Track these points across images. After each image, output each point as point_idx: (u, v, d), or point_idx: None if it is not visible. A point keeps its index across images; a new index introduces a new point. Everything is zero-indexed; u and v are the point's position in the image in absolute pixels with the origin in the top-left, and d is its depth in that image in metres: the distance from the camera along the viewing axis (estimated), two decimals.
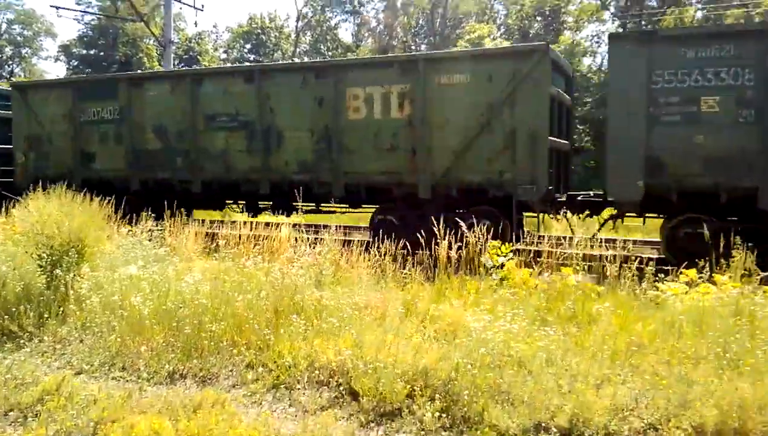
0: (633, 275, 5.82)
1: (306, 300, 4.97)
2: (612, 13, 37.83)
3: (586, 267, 6.27)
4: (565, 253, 6.55)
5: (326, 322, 4.61)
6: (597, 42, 37.39)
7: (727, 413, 3.47)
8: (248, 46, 45.87)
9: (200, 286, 4.62)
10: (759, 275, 5.52)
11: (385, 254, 6.49)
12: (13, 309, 4.49)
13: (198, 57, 38.94)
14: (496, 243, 6.44)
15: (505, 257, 6.24)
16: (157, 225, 7.49)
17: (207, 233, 7.06)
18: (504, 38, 36.97)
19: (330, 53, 45.61)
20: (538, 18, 39.72)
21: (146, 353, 4.02)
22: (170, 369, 3.92)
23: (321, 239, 6.37)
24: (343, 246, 6.40)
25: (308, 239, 6.54)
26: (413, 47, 44.76)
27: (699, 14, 32.59)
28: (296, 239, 6.61)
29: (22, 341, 4.34)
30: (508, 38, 36.97)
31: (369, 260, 6.30)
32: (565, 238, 6.64)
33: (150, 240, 6.31)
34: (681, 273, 5.82)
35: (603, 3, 37.70)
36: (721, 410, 3.49)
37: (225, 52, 47.97)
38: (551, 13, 39.06)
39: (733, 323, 4.56)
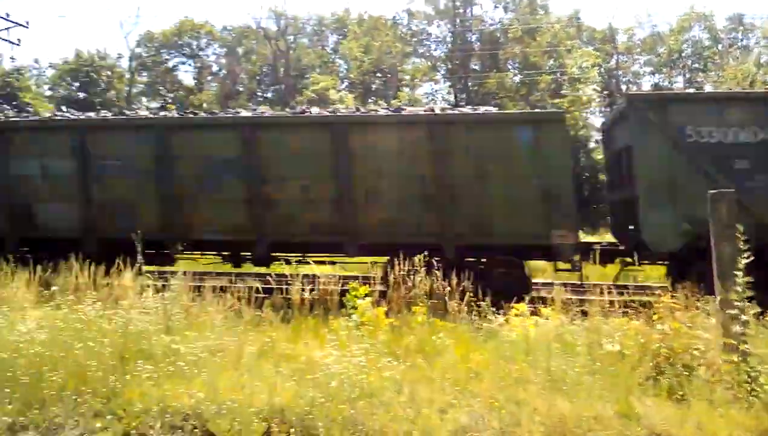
0: (473, 310, 6.43)
1: (154, 346, 4.78)
2: (442, 74, 41.38)
3: (430, 304, 6.75)
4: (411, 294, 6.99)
5: (176, 367, 4.48)
6: (433, 99, 40.51)
7: (551, 428, 3.98)
8: (77, 84, 42.65)
9: (35, 334, 4.26)
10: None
11: (239, 298, 6.46)
12: None
13: (18, 93, 35.30)
14: (355, 284, 6.72)
15: (362, 298, 6.52)
16: None
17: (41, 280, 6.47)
18: (348, 90, 38.56)
19: (171, 95, 44.01)
20: (378, 74, 42.13)
21: None
22: (9, 421, 3.56)
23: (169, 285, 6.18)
24: (194, 291, 6.24)
25: (155, 285, 6.30)
26: (259, 93, 44.85)
27: (517, 78, 36.94)
28: (141, 286, 6.32)
29: None
30: (351, 91, 38.63)
31: (223, 304, 6.23)
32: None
33: None
34: (512, 307, 6.53)
35: (434, 65, 41.17)
36: (546, 426, 4.00)
37: (50, 89, 44.06)
38: (389, 71, 41.66)
39: (554, 348, 5.24)
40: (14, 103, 33.64)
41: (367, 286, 6.59)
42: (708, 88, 36.12)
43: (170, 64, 47.11)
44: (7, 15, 18.48)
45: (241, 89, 44.48)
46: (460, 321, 6.17)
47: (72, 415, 3.75)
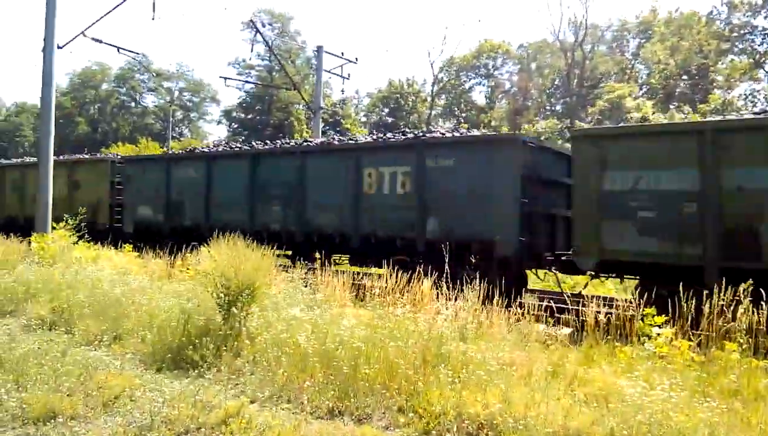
0: None
1: (452, 352, 5.11)
2: (767, 71, 35.26)
3: (748, 340, 5.81)
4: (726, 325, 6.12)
5: (473, 375, 4.71)
6: (752, 101, 34.83)
7: None
8: (386, 109, 48.35)
9: (355, 330, 4.95)
10: None
11: (524, 313, 6.50)
12: (197, 341, 5.09)
13: (341, 120, 41.67)
14: (651, 311, 6.19)
15: (659, 326, 5.96)
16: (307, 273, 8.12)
17: (353, 283, 7.51)
18: (646, 97, 35.63)
19: (464, 115, 46.64)
20: (684, 77, 38.01)
21: (309, 388, 4.37)
22: (330, 405, 4.22)
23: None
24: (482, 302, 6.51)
25: (447, 293, 6.74)
26: (548, 107, 44.52)
27: None
28: (437, 293, 6.83)
29: (202, 370, 4.90)
30: (650, 97, 35.61)
31: (509, 318, 6.34)
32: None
33: (306, 286, 6.87)
34: None
35: (756, 61, 35.31)
36: None
37: (365, 115, 50.88)
38: (698, 72, 37.24)
39: None
40: (338, 129, 39.77)
41: (665, 315, 5.98)
42: None
43: (467, 85, 49.99)
44: (342, 54, 21.88)
45: (529, 104, 44.73)
46: None
47: (380, 407, 4.25)
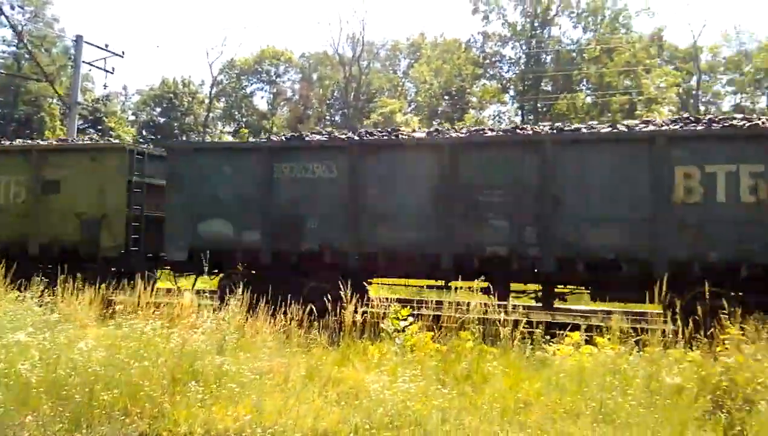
0: (524, 337, 6.25)
1: (206, 366, 4.94)
2: (511, 96, 41.00)
3: (481, 330, 6.62)
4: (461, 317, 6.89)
5: (226, 388, 4.60)
6: (499, 121, 40.22)
7: None
8: (158, 109, 45.35)
9: (94, 353, 4.50)
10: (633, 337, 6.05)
11: (291, 320, 6.58)
12: None
13: (104, 118, 37.98)
14: (398, 307, 6.71)
15: (405, 320, 6.49)
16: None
17: (104, 299, 6.85)
18: (414, 113, 38.91)
19: (244, 119, 45.95)
20: (446, 97, 42.30)
21: (31, 423, 3.84)
22: None
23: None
24: (248, 311, 6.42)
25: (212, 305, 6.53)
26: (328, 117, 46.03)
27: (588, 99, 36.02)
28: (199, 305, 6.57)
29: None
30: (417, 114, 38.97)
31: (275, 326, 6.36)
32: (460, 303, 7.00)
33: (40, 306, 6.06)
34: (567, 336, 6.31)
35: (504, 86, 40.85)
36: None
37: (134, 114, 47.12)
38: (458, 93, 41.73)
39: (609, 380, 5.00)
40: (99, 127, 36.18)
41: (410, 308, 6.55)
42: None
43: (248, 90, 49.28)
44: (106, 45, 19.91)
45: (310, 113, 45.82)
46: (511, 349, 6.01)
47: (118, 435, 3.92)
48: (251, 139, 12.99)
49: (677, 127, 8.41)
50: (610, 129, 8.83)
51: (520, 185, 8.50)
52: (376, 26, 79.04)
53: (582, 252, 8.20)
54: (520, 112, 39.11)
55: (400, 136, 9.70)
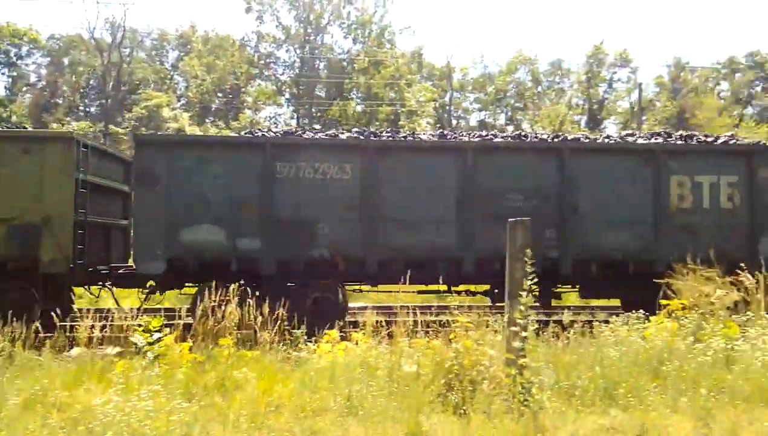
0: (284, 339, 6.25)
1: None
2: (287, 99, 41.28)
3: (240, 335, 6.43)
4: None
5: None
6: (275, 123, 40.15)
7: None
8: None
9: None
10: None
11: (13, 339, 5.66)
12: None
13: None
14: (148, 318, 6.19)
15: (156, 331, 6.01)
16: None
17: None
18: (184, 109, 36.87)
19: None
20: (219, 94, 40.92)
21: None
22: None
23: None
24: None
25: None
26: (81, 108, 41.28)
27: (359, 108, 37.94)
28: None
29: None
30: (187, 110, 37.00)
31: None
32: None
33: None
34: (325, 334, 6.44)
35: (279, 89, 40.93)
36: None
37: None
38: (232, 91, 40.65)
39: (358, 373, 5.22)
40: None
41: (161, 317, 6.10)
42: (525, 126, 39.94)
43: None
44: None
45: (60, 102, 40.61)
46: (269, 352, 5.94)
47: None
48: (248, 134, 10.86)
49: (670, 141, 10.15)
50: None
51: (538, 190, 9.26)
52: (141, 12, 73.16)
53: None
54: (295, 116, 39.57)
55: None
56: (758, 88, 44.17)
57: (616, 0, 69.52)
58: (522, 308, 4.84)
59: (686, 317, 6.02)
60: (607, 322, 6.51)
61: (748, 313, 6.14)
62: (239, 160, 8.88)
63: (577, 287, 9.90)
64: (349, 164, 8.93)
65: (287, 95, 40.95)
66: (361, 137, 9.61)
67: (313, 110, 37.77)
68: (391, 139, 9.67)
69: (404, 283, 6.76)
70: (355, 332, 6.49)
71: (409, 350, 5.37)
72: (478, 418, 4.26)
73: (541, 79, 46.74)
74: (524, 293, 4.85)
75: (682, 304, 6.30)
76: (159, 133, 15.37)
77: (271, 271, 8.73)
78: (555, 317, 8.62)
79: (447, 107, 43.99)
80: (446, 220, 9.04)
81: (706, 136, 10.81)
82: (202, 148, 9.17)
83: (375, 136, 9.70)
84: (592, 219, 9.23)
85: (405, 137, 9.96)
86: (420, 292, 9.61)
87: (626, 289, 9.52)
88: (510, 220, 5.24)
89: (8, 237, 8.67)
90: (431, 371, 4.97)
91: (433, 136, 10.32)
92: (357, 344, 6.00)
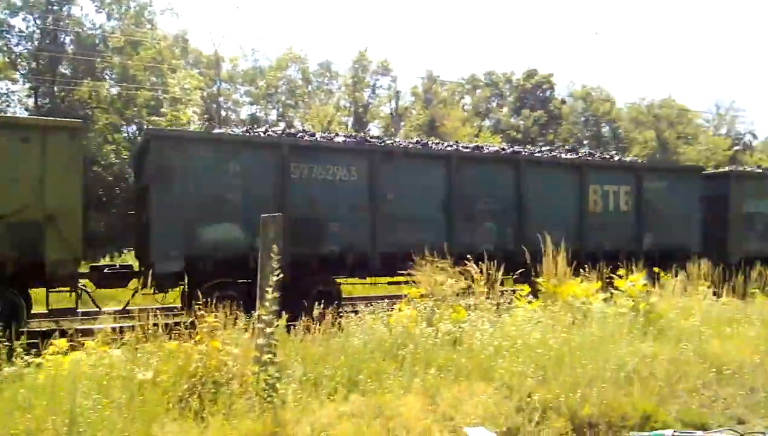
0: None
1: None
2: (23, 74, 35.72)
3: None
4: None
5: None
6: (6, 102, 34.41)
7: None
8: None
9: None
10: None
11: None
12: None
13: None
14: None
15: None
16: None
17: None
18: None
19: None
20: None
21: None
22: None
23: None
24: None
25: None
26: None
27: (114, 90, 34.39)
28: None
29: None
30: None
31: None
32: None
33: None
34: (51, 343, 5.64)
35: (12, 61, 35.22)
36: None
37: None
38: None
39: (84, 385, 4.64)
40: None
41: None
42: (297, 123, 40.50)
43: None
44: None
45: None
46: None
47: None
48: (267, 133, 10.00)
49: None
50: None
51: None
52: None
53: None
54: (33, 94, 34.37)
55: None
56: (494, 104, 51.19)
57: (380, 11, 74.33)
58: (267, 303, 4.78)
59: (422, 304, 6.60)
60: (356, 312, 6.84)
61: (472, 298, 6.98)
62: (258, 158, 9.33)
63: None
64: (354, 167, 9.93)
65: (23, 70, 35.37)
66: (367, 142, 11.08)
67: (56, 89, 33.25)
68: (394, 145, 11.29)
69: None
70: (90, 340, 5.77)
71: (143, 355, 4.95)
72: (217, 420, 4.09)
73: (311, 79, 47.77)
74: (270, 289, 4.80)
75: (420, 292, 6.90)
76: (174, 128, 13.98)
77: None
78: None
79: (217, 98, 42.39)
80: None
81: (607, 154, 15.11)
82: (221, 145, 9.37)
83: (379, 142, 11.19)
84: (538, 218, 11.02)
85: (407, 145, 11.82)
86: (390, 283, 10.62)
87: None
88: (263, 215, 5.18)
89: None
90: (173, 376, 4.65)
91: (420, 144, 12.42)
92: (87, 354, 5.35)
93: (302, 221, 9.34)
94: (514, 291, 7.56)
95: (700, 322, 6.41)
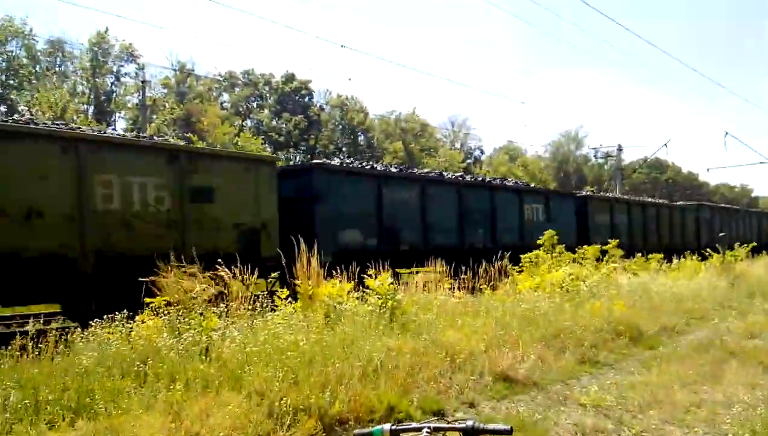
0: None
1: None
2: None
3: None
4: None
5: None
6: None
7: None
8: None
9: None
10: None
11: None
12: None
13: None
14: None
15: None
16: None
17: None
18: None
19: None
20: None
21: None
22: None
23: None
24: None
25: None
26: None
27: None
28: None
29: None
30: None
31: None
32: None
33: None
34: None
35: None
36: None
37: None
38: None
39: None
40: None
41: None
42: (22, 107, 34.76)
43: None
44: None
45: None
46: None
47: None
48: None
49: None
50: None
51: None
52: None
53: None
54: None
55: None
56: (255, 105, 50.72)
57: None
58: None
59: (169, 313, 6.07)
60: (87, 327, 6.03)
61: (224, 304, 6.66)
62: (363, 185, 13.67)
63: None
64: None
65: None
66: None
67: None
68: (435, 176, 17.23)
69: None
70: None
71: None
72: None
73: (39, 58, 41.59)
74: None
75: (166, 300, 6.34)
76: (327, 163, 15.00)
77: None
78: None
79: None
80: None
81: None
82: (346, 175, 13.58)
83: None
84: (503, 226, 16.71)
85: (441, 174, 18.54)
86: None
87: None
88: None
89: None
90: None
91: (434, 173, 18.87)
92: None
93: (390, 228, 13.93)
94: (271, 294, 7.42)
95: (436, 315, 7.07)
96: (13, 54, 40.30)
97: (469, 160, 60.12)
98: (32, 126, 9.45)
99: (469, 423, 2.04)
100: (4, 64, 39.60)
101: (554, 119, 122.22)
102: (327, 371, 5.32)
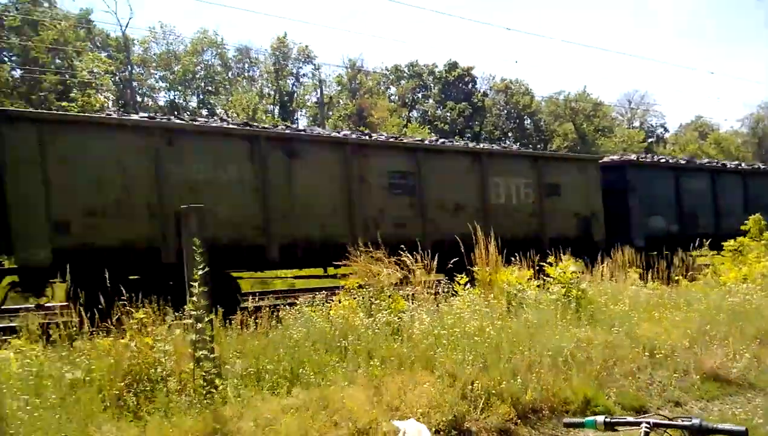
0: None
1: None
2: None
3: None
4: None
5: None
6: None
7: None
8: None
9: None
10: None
11: None
12: None
13: None
14: None
15: None
16: None
17: None
18: None
19: None
20: None
21: None
22: None
23: None
24: None
25: None
26: None
27: (16, 73, 31.82)
28: None
29: None
30: None
31: None
32: None
33: None
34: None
35: None
36: None
37: None
38: None
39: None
40: None
41: None
42: (219, 110, 39.09)
43: None
44: None
45: None
46: None
47: None
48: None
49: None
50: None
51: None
52: None
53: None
54: None
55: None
56: (420, 95, 51.63)
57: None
58: (195, 298, 4.51)
59: (361, 295, 6.48)
60: (294, 304, 6.64)
61: (409, 288, 6.94)
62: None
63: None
64: None
65: None
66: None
67: None
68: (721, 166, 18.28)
69: None
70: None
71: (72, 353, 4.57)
72: (156, 419, 3.82)
73: (230, 65, 46.25)
74: (196, 284, 4.52)
75: (357, 282, 6.77)
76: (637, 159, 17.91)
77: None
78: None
79: (132, 83, 40.08)
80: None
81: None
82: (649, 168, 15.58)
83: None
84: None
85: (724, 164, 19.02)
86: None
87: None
88: (183, 207, 4.97)
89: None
90: (108, 373, 4.31)
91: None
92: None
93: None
94: (451, 280, 7.57)
95: (629, 307, 6.69)
96: (209, 62, 45.32)
97: (651, 139, 55.41)
98: (448, 143, 13.97)
99: (696, 421, 1.92)
100: (202, 72, 44.69)
101: (751, 90, 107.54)
102: (515, 358, 5.32)
